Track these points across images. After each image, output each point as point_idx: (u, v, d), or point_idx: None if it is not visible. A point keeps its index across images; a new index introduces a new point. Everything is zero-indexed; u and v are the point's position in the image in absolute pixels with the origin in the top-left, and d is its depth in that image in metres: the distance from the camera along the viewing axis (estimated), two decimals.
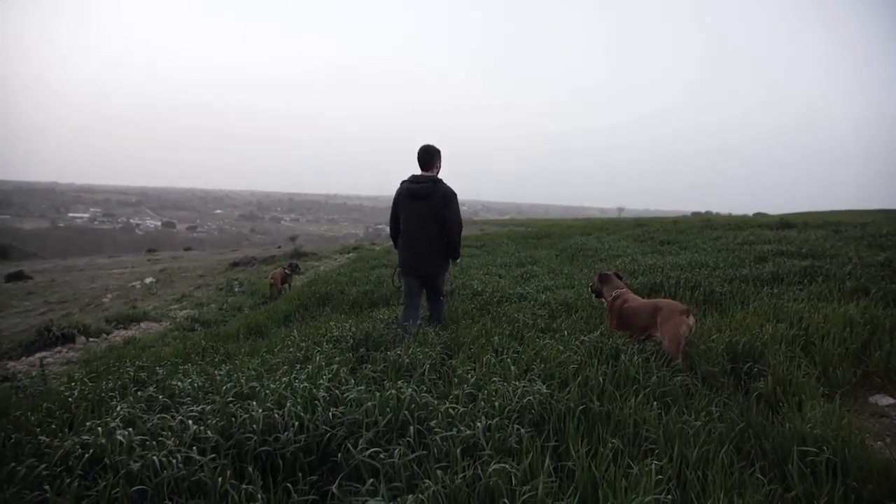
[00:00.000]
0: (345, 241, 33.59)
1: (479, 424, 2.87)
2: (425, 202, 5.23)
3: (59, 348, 8.07)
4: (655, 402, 3.29)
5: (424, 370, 3.84)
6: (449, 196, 5.25)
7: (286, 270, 11.64)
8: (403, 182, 5.38)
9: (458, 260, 5.79)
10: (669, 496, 2.44)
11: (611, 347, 4.23)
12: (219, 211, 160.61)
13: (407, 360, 4.09)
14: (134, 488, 2.49)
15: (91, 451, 2.77)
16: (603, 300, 5.19)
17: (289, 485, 2.60)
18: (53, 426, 3.37)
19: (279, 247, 28.87)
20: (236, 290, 13.07)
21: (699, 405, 3.34)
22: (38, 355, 7.64)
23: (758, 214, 30.74)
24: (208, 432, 2.91)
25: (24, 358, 7.68)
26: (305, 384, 3.47)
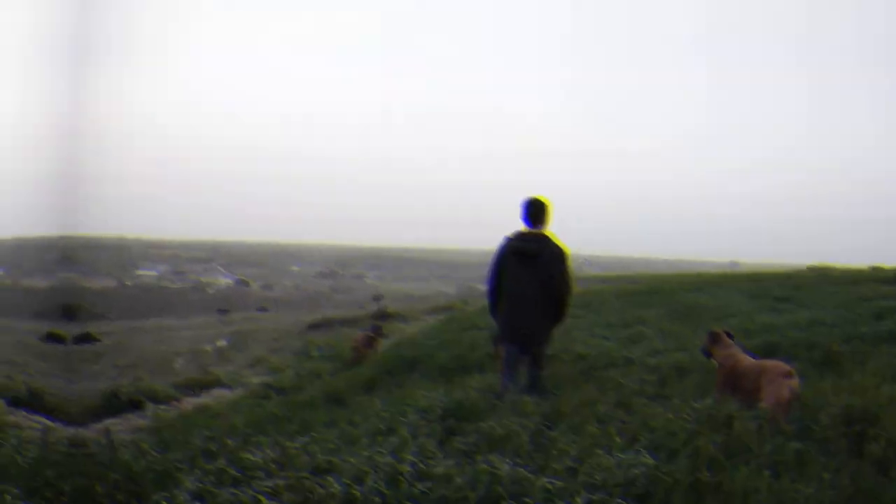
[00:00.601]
0: (435, 301, 33.97)
1: (579, 500, 2.81)
2: (534, 262, 5.17)
3: (127, 415, 8.63)
4: (767, 471, 3.15)
5: (522, 442, 3.80)
6: (561, 256, 5.22)
7: (370, 333, 11.95)
8: (508, 239, 5.33)
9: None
10: None
11: (724, 415, 4.15)
12: (295, 267, 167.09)
13: (501, 432, 4.06)
14: None
15: None
16: (713, 360, 5.26)
17: None
18: (120, 497, 3.59)
19: (361, 307, 29.70)
20: (314, 354, 13.50)
21: (812, 472, 3.20)
22: (106, 422, 8.20)
23: (874, 269, 28.54)
24: None
25: (92, 424, 8.26)
26: (389, 458, 3.51)
